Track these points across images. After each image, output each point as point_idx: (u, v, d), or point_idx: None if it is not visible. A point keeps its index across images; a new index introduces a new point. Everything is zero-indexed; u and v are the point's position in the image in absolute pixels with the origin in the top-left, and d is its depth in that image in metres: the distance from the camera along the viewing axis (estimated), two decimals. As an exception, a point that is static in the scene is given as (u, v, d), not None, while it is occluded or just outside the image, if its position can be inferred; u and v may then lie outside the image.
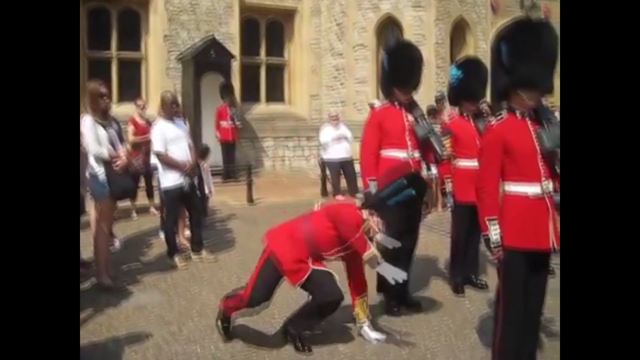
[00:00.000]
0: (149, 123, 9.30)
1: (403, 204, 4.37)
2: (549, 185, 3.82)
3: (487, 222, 3.83)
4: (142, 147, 9.13)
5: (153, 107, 11.98)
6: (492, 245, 3.84)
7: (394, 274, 4.36)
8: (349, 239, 4.38)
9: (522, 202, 3.82)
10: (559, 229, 3.94)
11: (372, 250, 4.35)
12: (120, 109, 12.47)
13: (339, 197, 5.26)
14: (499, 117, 3.92)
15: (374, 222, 4.45)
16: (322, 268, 4.50)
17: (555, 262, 4.68)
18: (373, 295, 5.18)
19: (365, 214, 4.44)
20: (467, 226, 5.72)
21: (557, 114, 9.53)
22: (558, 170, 3.80)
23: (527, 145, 3.81)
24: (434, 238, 8.08)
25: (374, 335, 4.68)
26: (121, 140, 6.30)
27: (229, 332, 4.78)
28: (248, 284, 4.62)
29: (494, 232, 3.83)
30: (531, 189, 3.80)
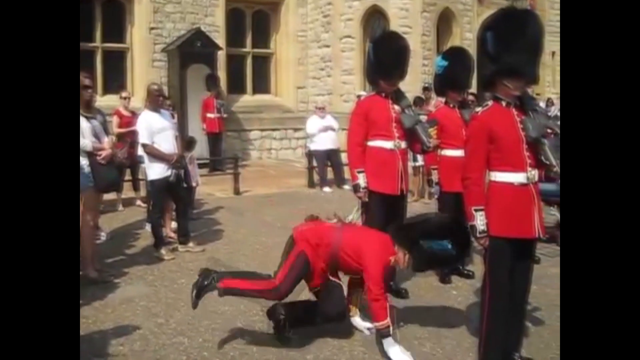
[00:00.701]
0: (133, 114, 9.26)
1: (439, 258, 4.26)
2: (535, 174, 3.85)
3: (473, 211, 3.86)
4: (127, 138, 9.09)
5: (138, 99, 11.91)
6: (478, 234, 3.87)
7: (399, 357, 4.16)
8: (367, 290, 4.23)
9: (508, 190, 3.84)
10: (543, 217, 3.99)
11: (384, 323, 4.15)
12: (105, 101, 12.39)
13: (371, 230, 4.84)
14: (484, 106, 3.94)
15: (404, 258, 4.30)
16: (336, 280, 4.48)
17: (540, 251, 4.73)
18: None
19: (397, 247, 4.31)
20: (452, 215, 5.73)
21: (542, 104, 9.58)
22: (543, 159, 3.83)
23: (513, 134, 3.83)
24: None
25: (365, 324, 4.67)
26: (106, 132, 6.26)
27: (200, 297, 4.46)
28: (278, 276, 4.39)
29: (480, 221, 3.85)
30: (517, 178, 3.83)
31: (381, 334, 4.20)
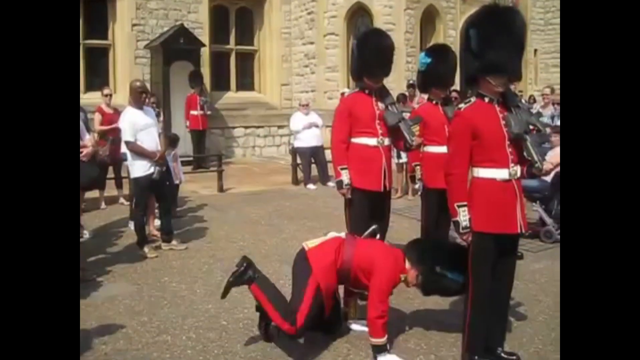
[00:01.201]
0: (116, 112, 9.20)
1: (449, 287, 4.28)
2: (517, 170, 3.88)
3: (456, 207, 3.89)
4: (109, 136, 9.04)
5: (121, 96, 11.84)
6: (461, 230, 3.90)
7: None
8: (371, 307, 4.14)
9: (491, 187, 3.87)
10: (525, 213, 4.02)
11: (383, 340, 4.13)
12: (87, 98, 12.30)
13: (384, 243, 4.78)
14: (467, 103, 3.96)
15: (415, 278, 4.28)
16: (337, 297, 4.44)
17: (523, 247, 4.77)
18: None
19: (408, 265, 4.27)
20: (436, 211, 5.74)
21: (524, 100, 9.63)
22: (526, 155, 3.86)
23: (495, 131, 3.85)
24: (405, 224, 8.13)
25: (359, 327, 4.62)
26: (88, 129, 6.21)
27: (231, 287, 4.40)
28: (298, 319, 4.10)
29: (463, 217, 3.88)
30: (499, 174, 3.86)
31: (378, 350, 4.14)
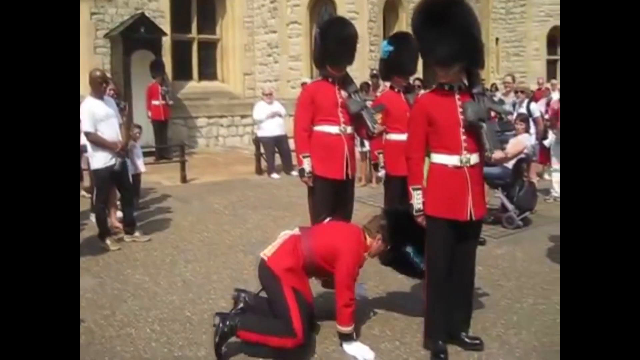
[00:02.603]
0: (75, 102, 9.02)
1: (408, 268, 4.41)
2: (470, 157, 3.92)
3: (411, 190, 4.01)
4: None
5: (80, 86, 11.60)
6: (414, 212, 4.02)
7: (363, 355, 4.09)
8: (339, 295, 4.10)
9: (442, 172, 3.96)
10: (481, 200, 4.04)
11: (351, 329, 4.13)
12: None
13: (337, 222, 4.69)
14: (427, 90, 4.02)
15: (376, 248, 4.30)
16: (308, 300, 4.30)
17: (485, 232, 4.82)
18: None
19: (369, 239, 4.27)
20: (399, 198, 5.78)
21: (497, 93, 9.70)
22: (485, 143, 3.89)
23: (450, 117, 3.91)
24: (368, 211, 8.14)
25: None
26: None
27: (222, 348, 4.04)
28: (296, 328, 3.95)
29: (417, 200, 4.01)
30: (450, 160, 3.94)
31: (345, 338, 4.14)
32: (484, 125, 3.86)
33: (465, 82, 4.05)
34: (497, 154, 3.92)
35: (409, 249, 4.34)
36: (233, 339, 4.04)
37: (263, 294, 4.33)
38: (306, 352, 4.10)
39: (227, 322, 4.01)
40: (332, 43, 5.18)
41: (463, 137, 3.91)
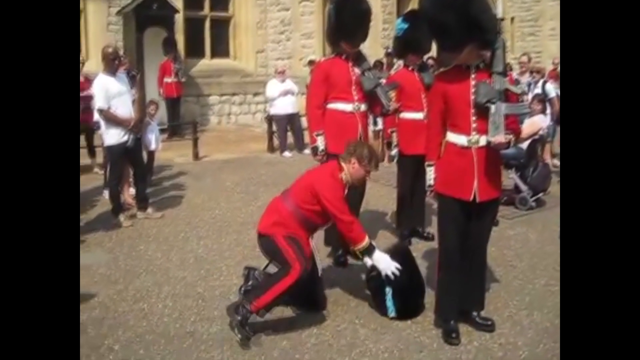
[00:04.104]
0: (87, 79, 9.01)
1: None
2: (479, 138, 3.87)
3: (426, 166, 4.12)
4: (81, 103, 8.86)
5: (93, 63, 11.58)
6: (426, 188, 4.14)
7: (386, 263, 4.18)
8: (338, 225, 4.18)
9: (452, 151, 3.98)
10: (490, 182, 3.97)
11: (366, 242, 4.18)
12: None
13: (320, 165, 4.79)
14: (446, 67, 4.02)
15: (354, 171, 4.26)
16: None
17: (498, 213, 4.79)
18: (320, 247, 5.18)
19: (345, 167, 4.26)
20: (411, 178, 5.76)
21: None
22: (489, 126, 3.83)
23: (462, 97, 3.89)
24: (381, 191, 8.14)
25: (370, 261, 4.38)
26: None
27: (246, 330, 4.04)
28: (292, 262, 4.05)
29: (429, 176, 4.09)
30: (459, 139, 3.94)
31: (366, 252, 4.18)
32: (492, 107, 3.78)
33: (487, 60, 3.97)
34: (498, 139, 3.78)
35: (388, 289, 4.29)
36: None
37: (269, 270, 4.39)
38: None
39: (239, 310, 4.06)
40: (348, 18, 5.14)
41: (473, 118, 3.87)
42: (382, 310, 4.38)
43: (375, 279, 4.35)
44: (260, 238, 4.34)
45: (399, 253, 4.44)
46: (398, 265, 4.19)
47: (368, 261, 4.22)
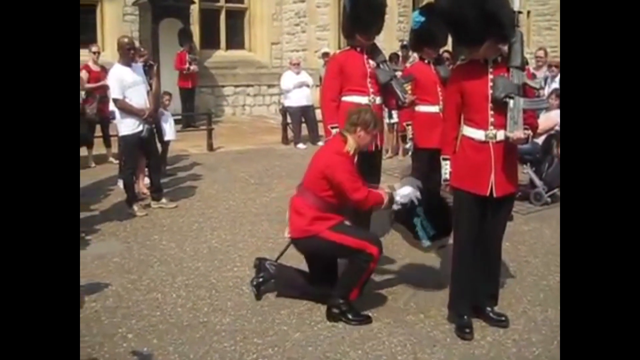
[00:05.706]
0: (103, 69, 9.05)
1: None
2: (497, 133, 3.84)
3: (441, 160, 4.10)
4: (96, 94, 8.92)
5: (108, 54, 11.63)
6: (442, 181, 4.12)
7: (412, 194, 4.25)
8: (357, 204, 4.18)
9: (468, 145, 3.94)
10: (507, 178, 3.94)
11: (385, 198, 4.20)
12: (75, 55, 12.05)
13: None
14: (462, 61, 3.98)
15: (360, 139, 4.22)
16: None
17: (513, 208, 4.76)
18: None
19: (350, 138, 4.20)
20: (426, 171, 5.72)
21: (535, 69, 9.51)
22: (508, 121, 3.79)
23: (480, 91, 3.85)
24: (396, 184, 8.09)
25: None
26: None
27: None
28: (357, 247, 4.11)
29: (445, 170, 4.07)
30: (476, 134, 3.90)
31: (392, 202, 4.23)
32: (511, 102, 3.75)
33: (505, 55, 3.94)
34: (517, 134, 3.75)
35: (416, 220, 4.39)
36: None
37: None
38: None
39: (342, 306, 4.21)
40: (363, 10, 5.11)
41: (491, 112, 3.84)
42: (415, 242, 4.49)
43: (402, 213, 4.38)
44: (298, 242, 4.31)
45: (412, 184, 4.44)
46: (418, 189, 4.30)
47: (395, 206, 4.28)
